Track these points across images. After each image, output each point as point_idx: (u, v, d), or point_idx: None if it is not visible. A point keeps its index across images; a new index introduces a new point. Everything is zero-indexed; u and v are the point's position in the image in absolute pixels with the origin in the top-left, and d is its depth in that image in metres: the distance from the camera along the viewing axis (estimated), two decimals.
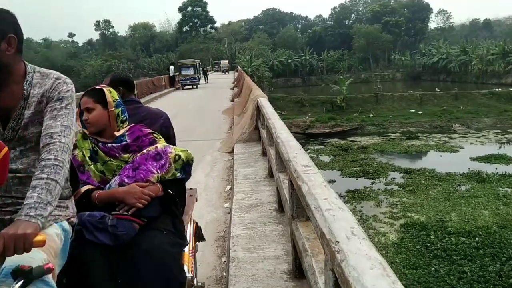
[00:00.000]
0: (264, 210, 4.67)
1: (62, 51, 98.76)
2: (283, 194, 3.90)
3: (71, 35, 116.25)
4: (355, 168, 24.54)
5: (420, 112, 44.23)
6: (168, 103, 21.88)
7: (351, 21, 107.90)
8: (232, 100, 19.79)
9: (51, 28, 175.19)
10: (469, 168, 22.68)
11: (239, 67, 56.04)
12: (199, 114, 16.15)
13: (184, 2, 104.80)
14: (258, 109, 8.09)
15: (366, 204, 18.61)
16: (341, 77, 62.75)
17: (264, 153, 7.29)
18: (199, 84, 32.27)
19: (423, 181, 21.21)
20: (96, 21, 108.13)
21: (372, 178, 22.73)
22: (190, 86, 31.37)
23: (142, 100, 17.57)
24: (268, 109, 6.28)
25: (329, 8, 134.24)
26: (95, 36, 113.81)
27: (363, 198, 19.17)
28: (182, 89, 30.89)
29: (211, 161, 8.15)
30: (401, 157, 27.88)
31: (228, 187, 6.37)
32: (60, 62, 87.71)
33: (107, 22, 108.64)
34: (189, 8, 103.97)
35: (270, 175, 5.95)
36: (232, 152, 8.63)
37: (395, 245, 10.75)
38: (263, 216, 4.49)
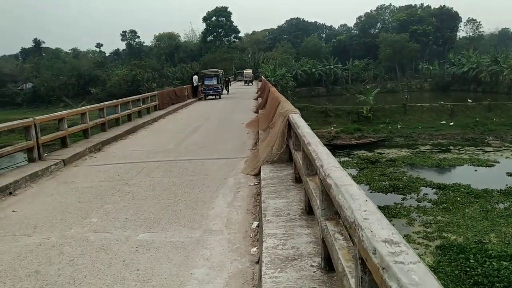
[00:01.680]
0: (304, 268, 3.53)
1: (90, 61, 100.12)
2: (338, 259, 2.76)
3: (98, 45, 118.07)
4: (384, 183, 23.16)
5: (451, 124, 42.32)
6: (191, 114, 21.02)
7: (376, 30, 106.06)
8: (256, 112, 18.74)
9: (80, 39, 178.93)
10: (506, 185, 21.06)
11: (262, 76, 55.22)
12: (222, 127, 15.14)
13: (208, 12, 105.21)
14: (289, 125, 6.99)
15: (397, 222, 17.29)
16: (367, 86, 61.11)
17: (297, 180, 6.15)
18: (222, 94, 31.42)
19: (458, 198, 19.73)
20: (123, 31, 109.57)
21: (402, 193, 21.35)
22: (213, 97, 30.58)
23: (163, 112, 16.79)
24: (305, 129, 5.17)
25: (354, 17, 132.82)
26: (122, 46, 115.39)
27: (394, 216, 17.86)
28: (205, 99, 30.11)
29: (234, 186, 7.06)
30: (433, 171, 26.32)
31: (255, 223, 5.25)
32: (87, 72, 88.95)
33: (133, 32, 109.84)
34: (214, 18, 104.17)
35: (308, 211, 4.81)
36: (258, 174, 7.52)
37: (432, 269, 9.39)
38: (304, 278, 3.35)
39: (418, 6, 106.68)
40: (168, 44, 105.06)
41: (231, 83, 52.19)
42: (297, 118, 6.30)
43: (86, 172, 8.82)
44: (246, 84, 55.40)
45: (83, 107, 13.11)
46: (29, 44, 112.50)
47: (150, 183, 7.54)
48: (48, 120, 10.66)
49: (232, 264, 4.22)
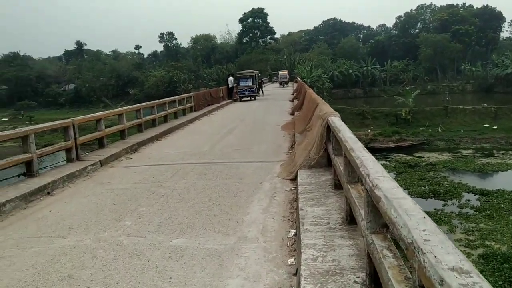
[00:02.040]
0: (347, 284, 3.27)
1: (129, 62, 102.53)
2: (387, 279, 2.49)
3: (137, 47, 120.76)
4: (423, 188, 22.40)
5: (494, 127, 40.63)
6: (226, 115, 20.99)
7: (417, 30, 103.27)
8: (292, 114, 18.45)
9: (119, 41, 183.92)
10: None
11: (298, 78, 54.69)
12: (257, 129, 14.97)
13: (245, 13, 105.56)
14: (328, 129, 6.71)
15: None
16: (407, 88, 59.58)
17: (337, 186, 5.87)
18: (257, 95, 31.32)
19: (502, 205, 18.81)
20: (161, 33, 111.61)
21: (443, 199, 20.56)
22: (248, 98, 30.50)
23: (198, 113, 16.76)
24: (346, 133, 4.89)
25: (393, 17, 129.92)
26: (160, 48, 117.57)
27: (434, 222, 17.23)
28: (240, 100, 30.08)
29: (270, 191, 6.84)
30: (475, 176, 25.26)
31: (293, 231, 5.01)
32: (126, 73, 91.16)
33: (170, 34, 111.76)
34: (250, 19, 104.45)
35: (349, 220, 4.53)
36: (295, 179, 7.28)
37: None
38: None
39: (460, 5, 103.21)
40: (205, 46, 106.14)
41: (265, 84, 51.55)
42: (337, 121, 6.02)
43: (122, 173, 8.84)
44: (281, 86, 53.16)
45: (120, 108, 13.26)
46: (72, 46, 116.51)
47: (184, 185, 7.44)
48: (86, 120, 10.80)
49: (269, 275, 4.00)
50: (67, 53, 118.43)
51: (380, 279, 2.72)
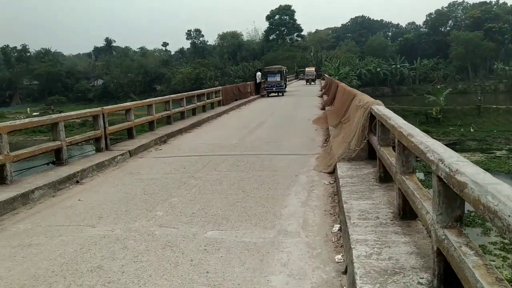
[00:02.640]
0: (411, 285, 2.86)
1: (156, 59, 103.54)
2: (475, 281, 2.08)
3: (164, 44, 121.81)
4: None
5: None
6: (254, 110, 20.66)
7: (448, 28, 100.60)
8: (323, 109, 17.98)
9: (147, 38, 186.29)
10: None
11: (326, 75, 53.82)
12: (288, 123, 14.56)
13: (272, 10, 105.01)
14: (371, 119, 6.26)
15: (471, 231, 15.86)
16: (438, 86, 58.01)
17: (382, 179, 5.43)
18: (285, 91, 30.87)
19: None
20: (188, 30, 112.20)
21: None
22: (276, 94, 30.12)
23: (226, 107, 16.46)
24: (398, 120, 4.45)
25: (423, 15, 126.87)
26: (186, 45, 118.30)
27: (467, 224, 16.40)
28: (268, 96, 29.73)
29: (307, 184, 6.45)
30: (510, 178, 24.18)
31: (337, 226, 4.61)
32: (153, 69, 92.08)
33: (197, 31, 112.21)
34: (277, 17, 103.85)
35: (401, 215, 4.10)
36: (333, 172, 6.87)
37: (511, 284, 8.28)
38: None
39: (493, 2, 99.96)
40: (231, 43, 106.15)
41: (289, 81, 50.10)
42: (383, 109, 5.56)
43: (152, 163, 8.60)
44: (308, 84, 50.22)
45: (149, 99, 13.07)
46: (101, 43, 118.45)
47: (216, 177, 7.12)
48: (115, 110, 10.63)
49: (315, 272, 3.62)
50: (96, 49, 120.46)
51: (461, 280, 2.30)
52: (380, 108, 5.71)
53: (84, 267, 3.84)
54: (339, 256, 3.87)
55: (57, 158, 7.85)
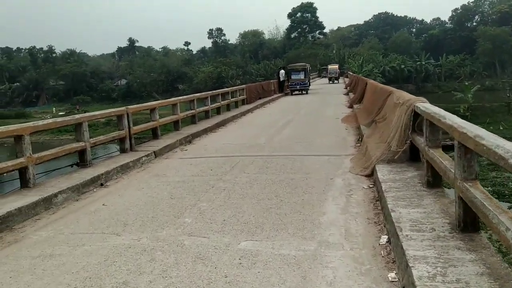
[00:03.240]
0: None
1: (178, 59, 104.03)
2: None
3: (186, 43, 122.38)
4: (486, 189, 20.56)
5: None
6: (279, 108, 20.22)
7: (474, 23, 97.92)
8: (350, 107, 17.41)
9: (169, 38, 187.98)
10: None
11: (350, 72, 52.79)
12: (315, 121, 14.08)
13: (293, 8, 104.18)
14: (414, 118, 5.76)
15: None
16: (466, 83, 56.35)
17: (431, 184, 4.94)
18: (309, 89, 30.31)
19: None
20: (210, 30, 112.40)
21: (509, 201, 18.77)
22: (299, 92, 29.63)
23: (251, 106, 16.05)
24: (455, 118, 3.97)
25: (448, 10, 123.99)
26: (208, 44, 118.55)
27: None
28: (291, 94, 29.25)
29: (344, 188, 5.99)
30: None
31: (384, 237, 4.15)
32: (176, 69, 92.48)
33: (219, 30, 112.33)
34: (299, 14, 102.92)
35: (462, 227, 3.63)
36: (371, 175, 6.39)
37: None
38: None
39: None
40: (253, 42, 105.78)
41: (311, 80, 48.23)
42: (431, 107, 5.07)
43: (178, 165, 8.27)
44: (331, 82, 47.92)
45: (174, 98, 12.80)
46: (124, 43, 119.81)
47: (246, 179, 6.73)
48: (140, 109, 10.37)
49: None
50: (120, 50, 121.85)
51: None
52: (427, 106, 5.22)
53: (109, 282, 3.50)
54: (393, 275, 3.42)
55: (81, 159, 7.60)
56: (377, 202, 5.24)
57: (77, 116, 7.58)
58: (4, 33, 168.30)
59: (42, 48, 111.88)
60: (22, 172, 6.11)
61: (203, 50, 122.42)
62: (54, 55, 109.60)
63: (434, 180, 4.94)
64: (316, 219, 4.79)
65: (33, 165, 6.24)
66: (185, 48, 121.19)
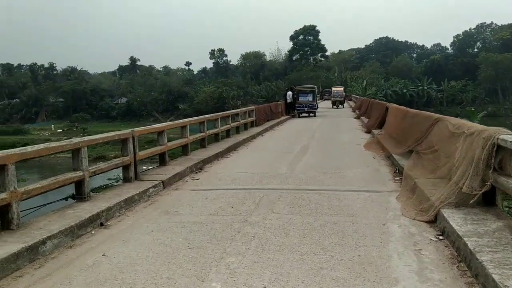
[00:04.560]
0: None
1: (179, 78, 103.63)
2: None
3: (187, 63, 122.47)
4: None
5: None
6: (290, 131, 19.10)
7: (475, 50, 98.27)
8: (368, 132, 16.30)
9: (171, 58, 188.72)
10: None
11: (353, 95, 51.82)
12: (335, 147, 12.93)
13: (296, 30, 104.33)
14: (490, 153, 4.63)
15: None
16: (472, 109, 55.60)
17: None
18: (317, 112, 29.28)
19: None
20: (212, 50, 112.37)
21: None
22: (307, 114, 28.60)
23: (260, 128, 14.85)
24: None
25: (448, 36, 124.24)
26: (209, 64, 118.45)
27: None
28: (298, 116, 28.20)
29: (406, 239, 4.78)
30: None
31: None
32: (176, 88, 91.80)
33: (221, 51, 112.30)
34: (301, 37, 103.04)
35: None
36: (433, 221, 5.20)
37: None
38: None
39: None
40: (254, 63, 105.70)
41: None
42: None
43: (191, 199, 7.05)
44: (335, 107, 41.83)
45: (183, 120, 11.64)
46: (126, 62, 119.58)
47: (278, 222, 5.52)
48: (147, 132, 9.21)
49: None
50: (121, 68, 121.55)
51: None
52: None
53: None
54: None
55: (77, 191, 6.39)
56: (461, 264, 4.03)
57: (75, 140, 6.39)
58: (6, 49, 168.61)
59: (43, 65, 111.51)
60: (3, 210, 4.89)
61: (204, 71, 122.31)
62: (55, 72, 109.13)
63: None
64: None
65: (18, 201, 5.02)
66: (186, 68, 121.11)
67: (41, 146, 5.66)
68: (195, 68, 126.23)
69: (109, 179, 13.94)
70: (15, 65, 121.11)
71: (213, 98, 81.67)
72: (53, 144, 5.94)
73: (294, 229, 5.25)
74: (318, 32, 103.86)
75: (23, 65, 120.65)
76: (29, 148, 5.38)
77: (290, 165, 9.92)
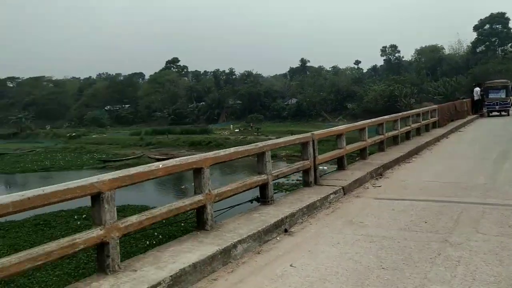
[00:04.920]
0: None
1: (348, 77, 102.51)
2: None
3: (357, 62, 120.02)
4: None
5: None
6: (481, 133, 16.89)
7: None
8: None
9: (340, 57, 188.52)
10: None
11: None
12: None
13: (481, 19, 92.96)
14: None
15: None
16: None
17: None
18: (510, 110, 25.36)
19: None
20: (383, 47, 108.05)
21: None
22: (498, 113, 25.01)
23: (444, 130, 13.30)
24: None
25: None
26: (379, 62, 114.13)
27: None
28: (488, 115, 24.87)
29: None
30: None
31: None
32: (345, 88, 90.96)
33: (393, 47, 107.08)
34: (487, 26, 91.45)
35: None
36: None
37: None
38: None
39: None
40: (430, 58, 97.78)
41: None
42: None
43: (375, 208, 6.53)
44: None
45: (361, 122, 11.12)
46: (296, 64, 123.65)
47: (486, 246, 4.63)
48: (326, 135, 8.97)
49: None
50: (291, 70, 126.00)
51: None
52: None
53: None
54: None
55: (261, 194, 6.48)
56: None
57: (260, 144, 6.49)
58: (194, 58, 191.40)
59: (224, 70, 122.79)
60: (200, 211, 5.17)
61: (374, 68, 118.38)
62: (234, 76, 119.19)
63: None
64: None
65: (212, 203, 5.25)
66: (355, 66, 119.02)
67: (232, 150, 5.87)
68: (365, 66, 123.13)
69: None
70: (201, 72, 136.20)
71: (383, 97, 78.36)
72: (241, 148, 6.11)
73: (510, 256, 4.31)
74: (508, 19, 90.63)
75: (208, 72, 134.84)
76: (221, 152, 5.60)
77: (489, 174, 8.54)
